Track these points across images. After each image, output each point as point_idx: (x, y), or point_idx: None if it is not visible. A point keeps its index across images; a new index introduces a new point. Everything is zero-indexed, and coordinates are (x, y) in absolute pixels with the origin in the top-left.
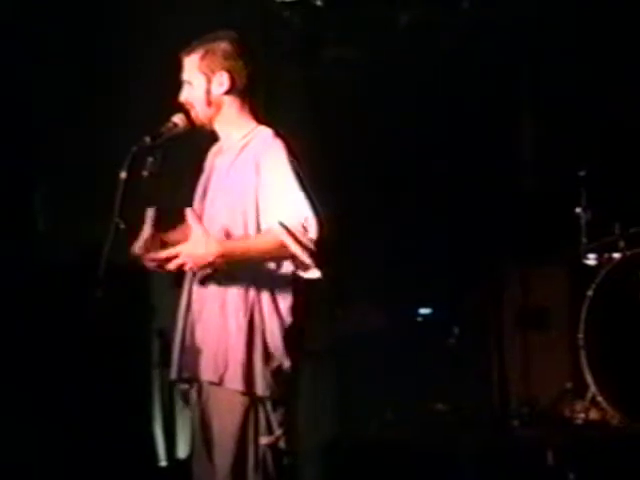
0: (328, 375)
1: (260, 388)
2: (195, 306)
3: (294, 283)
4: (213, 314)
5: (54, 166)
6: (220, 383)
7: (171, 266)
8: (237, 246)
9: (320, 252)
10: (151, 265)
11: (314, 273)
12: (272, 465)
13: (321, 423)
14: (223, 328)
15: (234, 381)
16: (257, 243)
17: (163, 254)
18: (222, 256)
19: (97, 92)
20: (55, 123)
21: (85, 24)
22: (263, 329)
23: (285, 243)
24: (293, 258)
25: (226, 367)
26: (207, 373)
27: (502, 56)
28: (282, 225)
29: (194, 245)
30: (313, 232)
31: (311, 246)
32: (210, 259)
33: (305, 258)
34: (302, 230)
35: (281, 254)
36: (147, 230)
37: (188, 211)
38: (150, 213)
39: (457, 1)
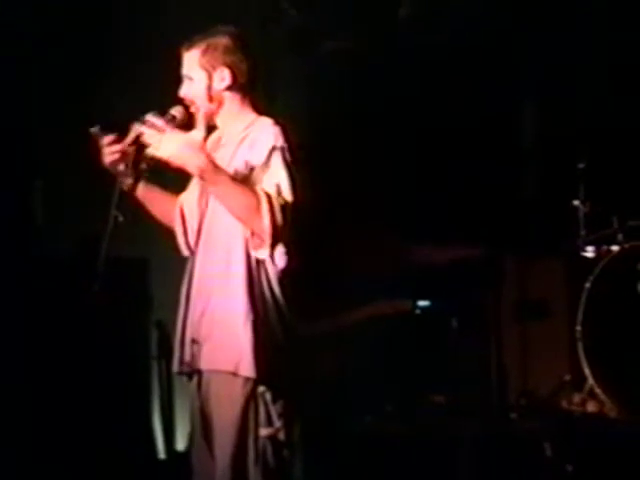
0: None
1: (267, 375)
2: (198, 298)
3: (287, 273)
4: (222, 306)
5: (53, 159)
6: (235, 371)
7: (153, 147)
8: (220, 176)
9: (284, 224)
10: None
11: (264, 252)
12: (272, 457)
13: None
14: (233, 319)
15: (247, 369)
16: (237, 188)
17: (154, 130)
18: (202, 173)
19: (97, 85)
20: (54, 116)
21: (85, 14)
22: (266, 317)
23: (260, 204)
24: (252, 234)
25: (240, 355)
26: (220, 362)
27: (503, 48)
28: (265, 192)
29: (183, 147)
30: (286, 195)
31: (278, 214)
32: (190, 168)
33: (267, 223)
34: (276, 194)
35: (246, 214)
36: (129, 140)
37: (200, 114)
38: (135, 129)
39: None
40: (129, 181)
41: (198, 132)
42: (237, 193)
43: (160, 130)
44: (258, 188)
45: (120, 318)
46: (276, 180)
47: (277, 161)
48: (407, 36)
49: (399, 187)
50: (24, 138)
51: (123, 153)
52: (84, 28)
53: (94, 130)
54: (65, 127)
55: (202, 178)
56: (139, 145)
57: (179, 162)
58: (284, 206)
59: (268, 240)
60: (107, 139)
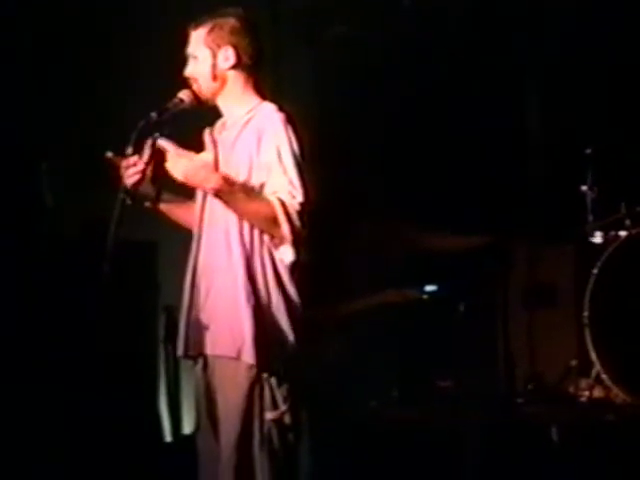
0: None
1: (269, 362)
2: (202, 282)
3: (296, 261)
4: (224, 290)
5: (60, 141)
6: (238, 357)
7: (169, 168)
8: (235, 193)
9: (302, 226)
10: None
11: (288, 252)
12: (277, 441)
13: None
14: (235, 303)
15: (250, 355)
16: (252, 202)
17: (169, 152)
18: (217, 192)
19: (102, 68)
20: (60, 97)
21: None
22: (269, 303)
23: (276, 214)
24: (272, 236)
25: (243, 341)
26: (222, 347)
27: (508, 34)
28: (279, 199)
29: (198, 168)
30: (299, 197)
31: (296, 219)
32: (204, 187)
33: (286, 230)
34: (290, 197)
35: (264, 225)
36: (145, 157)
37: (206, 134)
38: (149, 141)
39: None
40: (151, 196)
41: (208, 153)
42: (253, 206)
43: (172, 154)
44: (272, 196)
45: (128, 301)
46: (288, 182)
47: (287, 159)
48: (413, 24)
49: (407, 174)
50: (28, 119)
51: (143, 172)
52: (86, 15)
53: (109, 156)
54: (71, 107)
55: (218, 196)
56: (156, 161)
57: (195, 183)
58: (300, 211)
59: (290, 244)
60: (125, 162)
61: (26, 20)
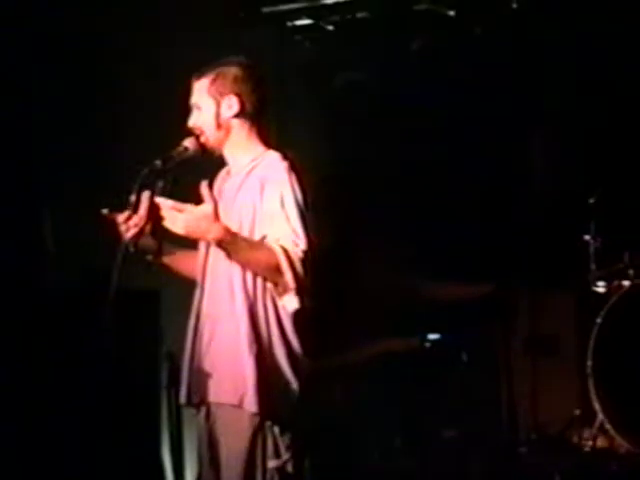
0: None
1: (271, 410)
2: (205, 329)
3: (299, 310)
4: (227, 337)
5: (63, 187)
6: (240, 405)
7: (168, 224)
8: (237, 243)
9: (305, 275)
10: (131, 228)
11: (292, 300)
12: None
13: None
14: (238, 351)
15: (252, 403)
16: (255, 251)
17: (166, 208)
18: (219, 242)
19: (106, 113)
20: (64, 143)
21: (91, 44)
22: (272, 351)
23: (279, 262)
24: (275, 284)
25: (245, 389)
26: (225, 395)
27: (513, 83)
28: (282, 248)
29: (199, 218)
30: (303, 245)
31: (299, 267)
32: (206, 238)
33: (289, 278)
34: (293, 245)
35: (267, 273)
36: (143, 212)
37: (202, 186)
38: (146, 195)
39: (469, 27)
40: (153, 249)
41: (207, 205)
42: (255, 255)
43: (170, 209)
44: (274, 244)
45: (130, 348)
46: (292, 230)
47: (291, 207)
48: (419, 68)
49: (410, 221)
50: (31, 166)
51: (141, 227)
52: (91, 54)
53: (104, 212)
54: (76, 153)
55: (220, 246)
56: (155, 216)
57: (197, 235)
58: (303, 259)
59: (293, 293)
60: (121, 217)
61: (26, 68)
